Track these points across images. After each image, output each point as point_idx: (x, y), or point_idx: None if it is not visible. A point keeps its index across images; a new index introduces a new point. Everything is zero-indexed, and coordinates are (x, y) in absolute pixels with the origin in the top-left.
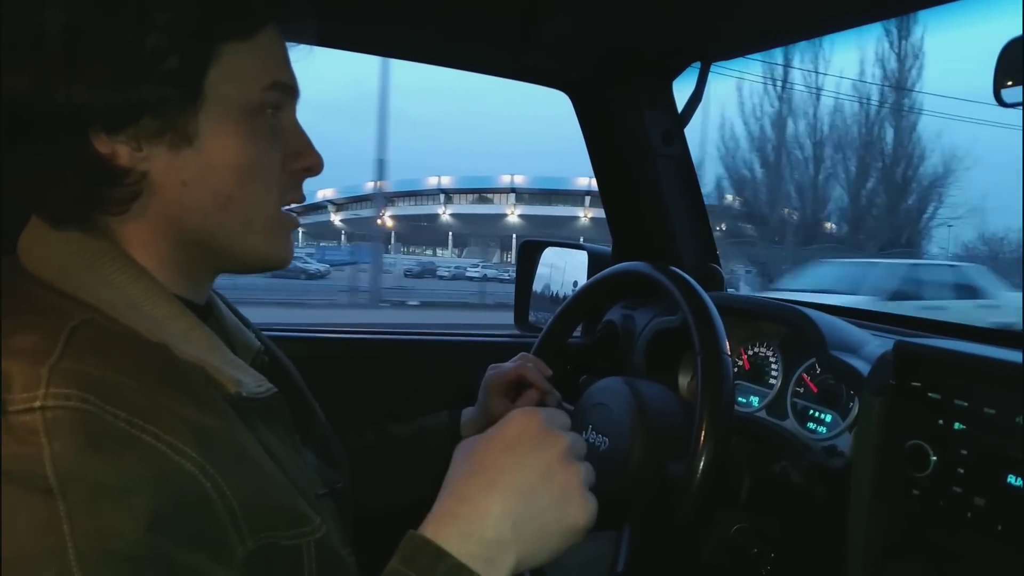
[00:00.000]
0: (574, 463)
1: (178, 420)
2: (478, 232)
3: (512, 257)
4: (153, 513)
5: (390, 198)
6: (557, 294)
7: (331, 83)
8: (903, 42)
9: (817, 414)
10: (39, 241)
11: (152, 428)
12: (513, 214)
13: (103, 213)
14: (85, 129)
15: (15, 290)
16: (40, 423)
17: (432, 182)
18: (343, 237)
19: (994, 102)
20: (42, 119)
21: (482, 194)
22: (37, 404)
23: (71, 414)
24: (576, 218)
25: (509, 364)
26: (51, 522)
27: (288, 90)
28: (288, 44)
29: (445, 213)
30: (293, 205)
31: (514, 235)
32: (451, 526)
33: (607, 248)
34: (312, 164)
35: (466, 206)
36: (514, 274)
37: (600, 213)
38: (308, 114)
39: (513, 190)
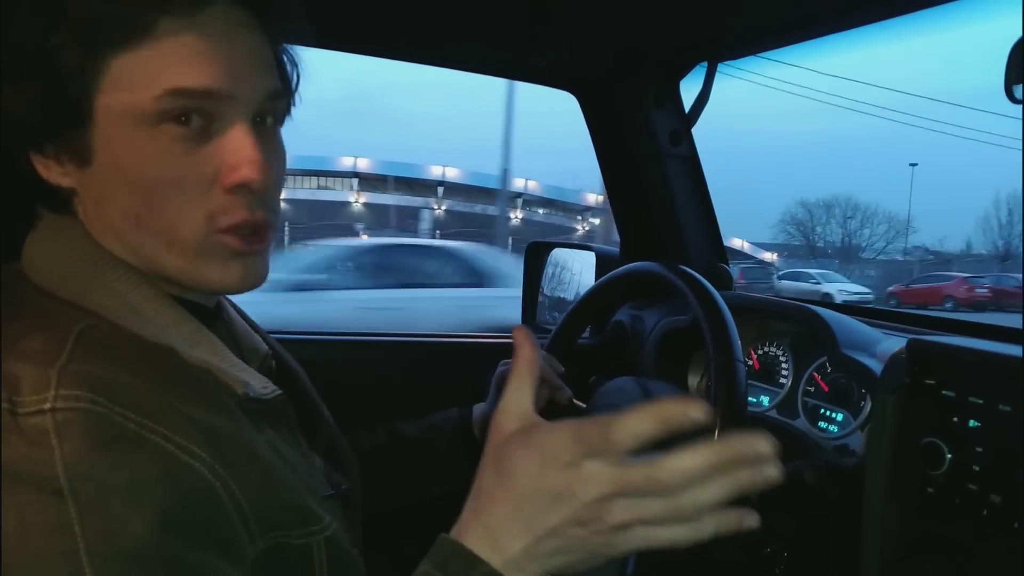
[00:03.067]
0: (608, 507)
1: (187, 420)
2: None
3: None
4: (163, 513)
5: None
6: (564, 295)
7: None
8: None
9: (828, 413)
10: (40, 251)
11: (161, 428)
12: (440, 209)
13: (52, 212)
14: (23, 144)
15: (19, 296)
16: (50, 425)
17: (346, 163)
18: None
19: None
20: None
21: (410, 183)
22: (47, 406)
23: (81, 415)
24: (507, 218)
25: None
26: (62, 523)
27: (197, 94)
28: (286, 46)
29: (358, 200)
30: (231, 227)
31: (437, 231)
32: (483, 539)
33: (615, 249)
34: (243, 178)
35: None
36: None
37: (532, 216)
38: (308, 114)
39: (441, 183)
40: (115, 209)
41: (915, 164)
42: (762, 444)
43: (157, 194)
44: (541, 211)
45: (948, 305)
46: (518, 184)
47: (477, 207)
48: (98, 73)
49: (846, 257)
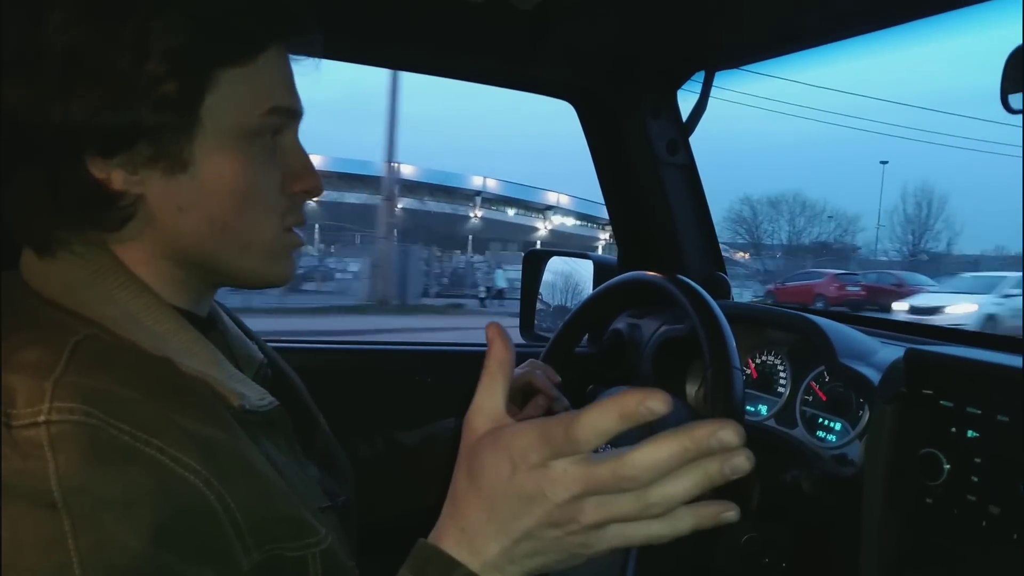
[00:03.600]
0: (580, 507)
1: (182, 433)
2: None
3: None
4: (157, 526)
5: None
6: (562, 304)
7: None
8: None
9: (826, 422)
10: (42, 258)
11: (156, 441)
12: (398, 207)
13: (97, 231)
14: (80, 152)
15: (18, 306)
16: (44, 437)
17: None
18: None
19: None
20: (37, 138)
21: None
22: (41, 418)
23: (75, 428)
24: (467, 218)
25: (517, 370)
26: (56, 537)
27: (289, 113)
28: (295, 59)
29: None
30: (294, 226)
31: (395, 230)
32: (460, 543)
33: (613, 258)
34: (311, 187)
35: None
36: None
37: (493, 214)
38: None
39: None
40: (202, 216)
41: (885, 162)
42: (728, 433)
43: (247, 201)
44: (511, 211)
45: (819, 304)
46: (476, 182)
47: (431, 204)
48: (208, 87)
49: (792, 254)
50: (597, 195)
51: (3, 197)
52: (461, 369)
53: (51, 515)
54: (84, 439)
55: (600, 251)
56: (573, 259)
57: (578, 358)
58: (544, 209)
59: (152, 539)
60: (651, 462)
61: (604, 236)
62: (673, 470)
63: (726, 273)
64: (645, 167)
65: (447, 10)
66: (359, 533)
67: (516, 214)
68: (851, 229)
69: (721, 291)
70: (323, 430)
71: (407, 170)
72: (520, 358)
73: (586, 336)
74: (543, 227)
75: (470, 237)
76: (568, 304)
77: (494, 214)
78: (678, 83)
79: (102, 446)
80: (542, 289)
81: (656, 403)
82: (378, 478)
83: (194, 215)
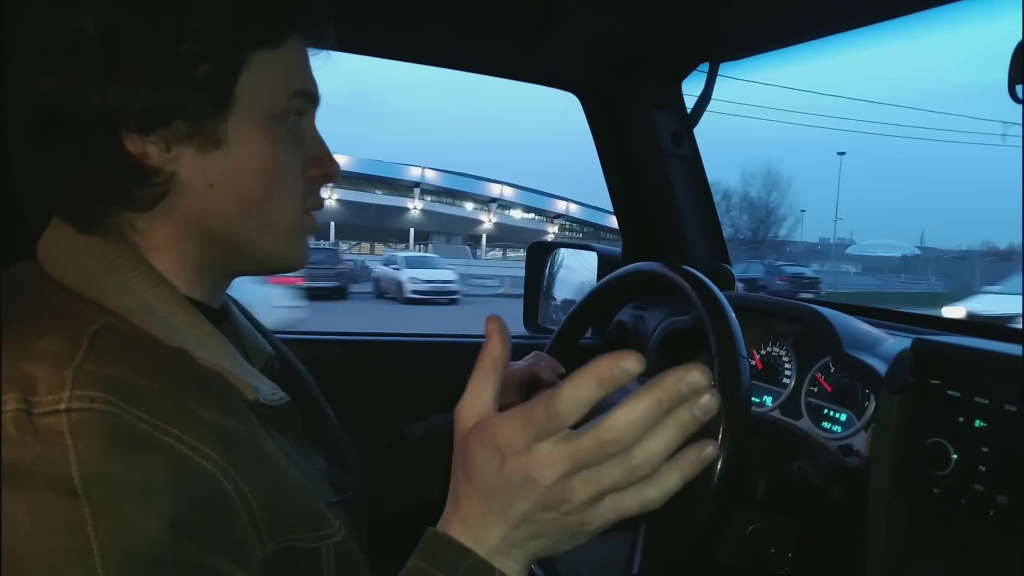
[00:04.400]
0: (570, 485)
1: (200, 423)
2: None
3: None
4: (175, 514)
5: None
6: (567, 296)
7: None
8: None
9: (832, 413)
10: (60, 245)
11: (174, 430)
12: (331, 197)
13: (129, 210)
14: (117, 130)
15: (36, 294)
16: (65, 425)
17: None
18: None
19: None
20: (75, 120)
21: None
22: (62, 406)
23: (96, 416)
24: (406, 209)
25: (522, 362)
26: (76, 524)
27: (310, 98)
28: (309, 51)
29: None
30: (312, 209)
31: (332, 222)
32: (465, 532)
33: (617, 249)
34: (330, 171)
35: None
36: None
37: (433, 206)
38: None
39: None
40: (232, 193)
41: (843, 153)
42: (695, 375)
43: (274, 180)
44: (457, 203)
45: None
46: (414, 173)
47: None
48: (242, 65)
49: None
50: (543, 186)
51: (39, 175)
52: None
53: (71, 502)
54: (104, 427)
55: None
56: (577, 251)
57: (583, 350)
58: (488, 201)
59: (170, 527)
60: (630, 420)
61: (552, 229)
62: (652, 425)
63: (730, 264)
64: (650, 158)
65: (454, 0)
66: (366, 525)
67: (457, 205)
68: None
69: (726, 282)
70: (330, 421)
71: (341, 160)
72: (524, 350)
73: (591, 328)
74: (488, 219)
75: (412, 230)
76: (571, 296)
77: (437, 206)
78: (683, 74)
79: (122, 434)
80: (545, 280)
81: (629, 363)
82: (383, 471)
83: (224, 192)
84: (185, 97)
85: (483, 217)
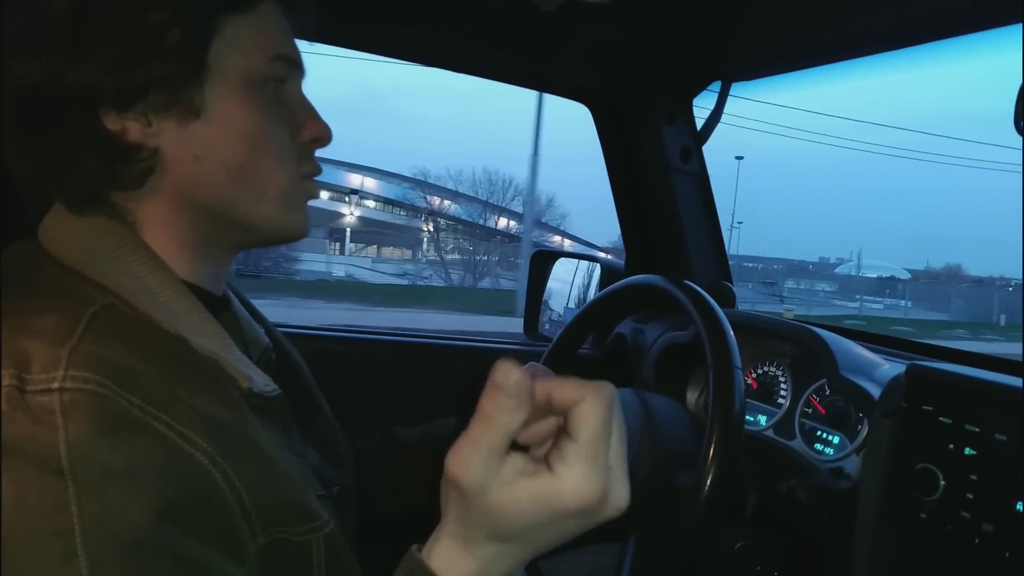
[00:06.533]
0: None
1: (191, 411)
2: None
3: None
4: (162, 501)
5: None
6: (567, 305)
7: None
8: None
9: (825, 435)
10: (62, 225)
11: (165, 417)
12: None
13: (118, 190)
14: (95, 109)
15: (36, 272)
16: (57, 404)
17: None
18: None
19: None
20: (53, 103)
21: None
22: (55, 385)
23: (87, 397)
24: (340, 215)
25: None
26: (60, 503)
27: (291, 63)
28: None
29: None
30: (310, 174)
31: None
32: (445, 556)
33: (620, 261)
34: (320, 135)
35: None
36: None
37: (370, 213)
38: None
39: None
40: (219, 163)
41: (741, 157)
42: (500, 369)
43: (260, 145)
44: (399, 210)
45: None
46: (354, 181)
47: None
48: (213, 31)
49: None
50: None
51: (30, 159)
52: (470, 363)
53: (57, 481)
54: (95, 408)
55: (425, 244)
56: (580, 261)
57: (581, 361)
58: (348, 193)
59: (155, 513)
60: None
61: (428, 228)
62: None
63: (732, 282)
64: (658, 173)
65: (469, 4)
66: (357, 523)
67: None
68: None
69: (727, 300)
70: (324, 415)
71: None
72: (523, 357)
73: (590, 338)
74: (349, 212)
75: (348, 232)
76: (573, 305)
77: None
78: (695, 91)
79: (112, 417)
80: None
81: (500, 375)
82: (374, 472)
83: (210, 163)
84: (158, 68)
85: (344, 210)
